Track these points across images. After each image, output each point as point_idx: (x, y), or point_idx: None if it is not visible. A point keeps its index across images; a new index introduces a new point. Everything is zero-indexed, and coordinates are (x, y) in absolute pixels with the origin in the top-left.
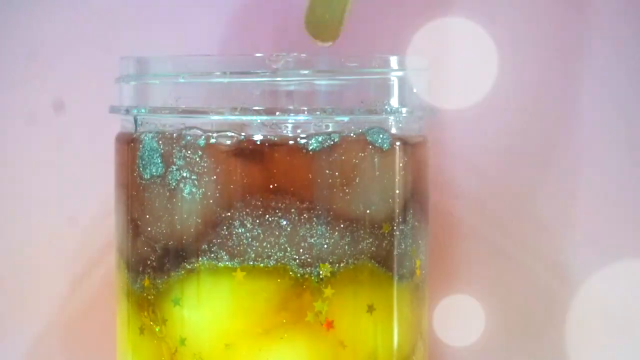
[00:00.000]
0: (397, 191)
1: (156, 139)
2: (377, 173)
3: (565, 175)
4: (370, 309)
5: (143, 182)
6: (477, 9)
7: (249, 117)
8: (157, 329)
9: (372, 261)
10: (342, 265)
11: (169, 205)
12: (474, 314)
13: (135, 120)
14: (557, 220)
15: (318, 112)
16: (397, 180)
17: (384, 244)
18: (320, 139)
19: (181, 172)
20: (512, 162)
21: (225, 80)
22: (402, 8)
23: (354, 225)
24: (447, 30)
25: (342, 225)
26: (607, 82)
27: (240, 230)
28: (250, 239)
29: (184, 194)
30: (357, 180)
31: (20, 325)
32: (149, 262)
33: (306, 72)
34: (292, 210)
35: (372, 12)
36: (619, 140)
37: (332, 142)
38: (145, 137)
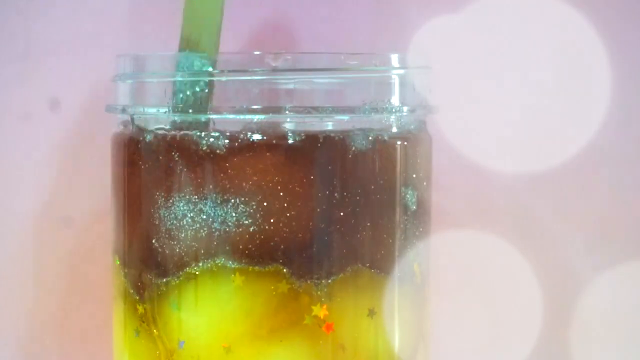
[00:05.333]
0: (398, 191)
1: (153, 138)
2: (378, 173)
3: (567, 175)
4: (371, 312)
5: (140, 182)
6: (478, 7)
7: (247, 116)
8: (154, 332)
9: (372, 264)
10: (341, 268)
11: (166, 206)
12: (475, 315)
13: (132, 119)
14: (559, 220)
15: (318, 111)
16: (397, 180)
17: (384, 247)
18: (319, 138)
19: (178, 172)
20: (514, 162)
21: (224, 78)
22: (403, 6)
23: (353, 227)
24: (448, 28)
25: (341, 228)
26: (610, 81)
27: (238, 233)
28: (248, 242)
29: (181, 195)
30: (356, 181)
31: (15, 326)
32: (146, 264)
33: (306, 70)
34: (291, 212)
35: (372, 10)
36: (621, 140)
37: (331, 142)
38: (142, 137)
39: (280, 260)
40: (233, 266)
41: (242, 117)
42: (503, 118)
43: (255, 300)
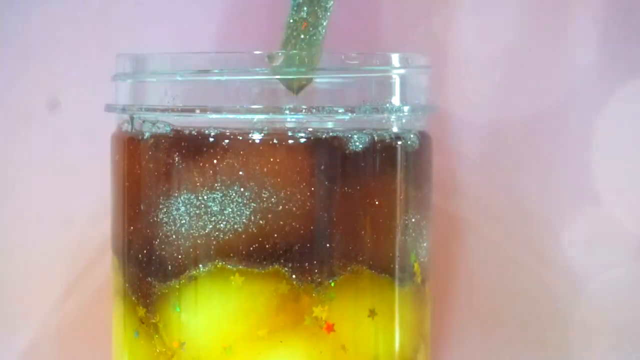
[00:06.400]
0: (399, 192)
1: (153, 138)
2: (378, 173)
3: (568, 175)
4: (372, 313)
5: (139, 182)
6: (479, 6)
7: (247, 116)
8: (154, 333)
9: (373, 265)
10: (341, 269)
11: (165, 206)
12: (476, 316)
13: (132, 119)
14: (561, 220)
15: (318, 111)
16: (398, 180)
17: (384, 247)
18: (319, 138)
19: (178, 172)
20: (514, 162)
21: (224, 78)
22: (404, 5)
23: (353, 227)
24: (449, 28)
25: (341, 229)
26: (610, 81)
27: (238, 233)
28: (248, 243)
29: (182, 195)
30: (356, 182)
31: (15, 327)
32: (146, 265)
33: (306, 69)
34: (291, 213)
35: (373, 9)
36: (622, 140)
37: (332, 142)
38: (142, 136)
39: (281, 261)
40: (233, 267)
41: (242, 117)
42: (503, 118)
43: (255, 301)
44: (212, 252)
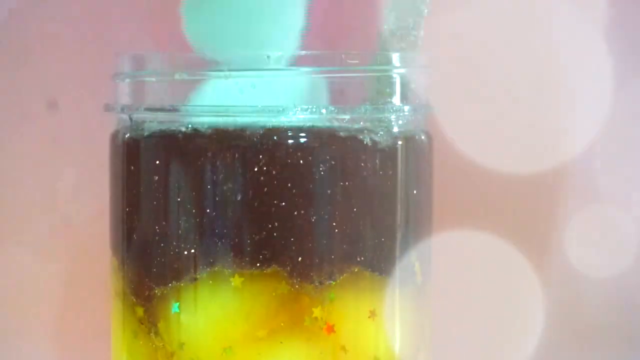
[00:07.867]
0: (399, 192)
1: (152, 138)
2: (378, 173)
3: (569, 175)
4: (372, 314)
5: (138, 182)
6: (479, 5)
7: (247, 116)
8: (153, 333)
9: (373, 266)
10: (341, 270)
11: (165, 207)
12: (476, 316)
13: (131, 119)
14: (561, 220)
15: (318, 110)
16: (398, 180)
17: (384, 248)
18: (319, 138)
19: (177, 172)
20: (514, 162)
21: (223, 78)
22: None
23: (353, 228)
24: (450, 27)
25: (340, 229)
26: (610, 81)
27: (237, 234)
28: (247, 244)
29: (181, 196)
30: (356, 182)
31: (13, 327)
32: (145, 266)
33: (306, 69)
34: (291, 214)
35: (373, 9)
36: (622, 139)
37: (331, 142)
38: (142, 137)
39: (280, 262)
40: (233, 268)
41: (241, 116)
42: (503, 118)
43: (255, 302)
44: (212, 253)
